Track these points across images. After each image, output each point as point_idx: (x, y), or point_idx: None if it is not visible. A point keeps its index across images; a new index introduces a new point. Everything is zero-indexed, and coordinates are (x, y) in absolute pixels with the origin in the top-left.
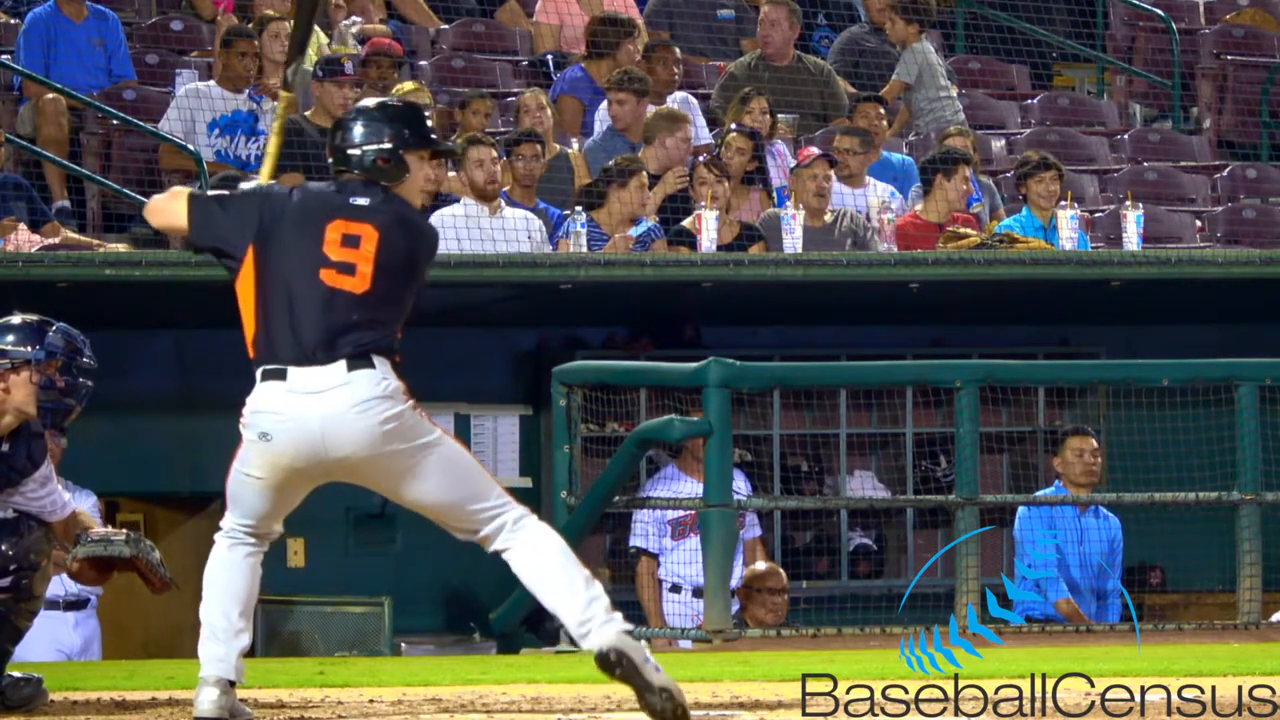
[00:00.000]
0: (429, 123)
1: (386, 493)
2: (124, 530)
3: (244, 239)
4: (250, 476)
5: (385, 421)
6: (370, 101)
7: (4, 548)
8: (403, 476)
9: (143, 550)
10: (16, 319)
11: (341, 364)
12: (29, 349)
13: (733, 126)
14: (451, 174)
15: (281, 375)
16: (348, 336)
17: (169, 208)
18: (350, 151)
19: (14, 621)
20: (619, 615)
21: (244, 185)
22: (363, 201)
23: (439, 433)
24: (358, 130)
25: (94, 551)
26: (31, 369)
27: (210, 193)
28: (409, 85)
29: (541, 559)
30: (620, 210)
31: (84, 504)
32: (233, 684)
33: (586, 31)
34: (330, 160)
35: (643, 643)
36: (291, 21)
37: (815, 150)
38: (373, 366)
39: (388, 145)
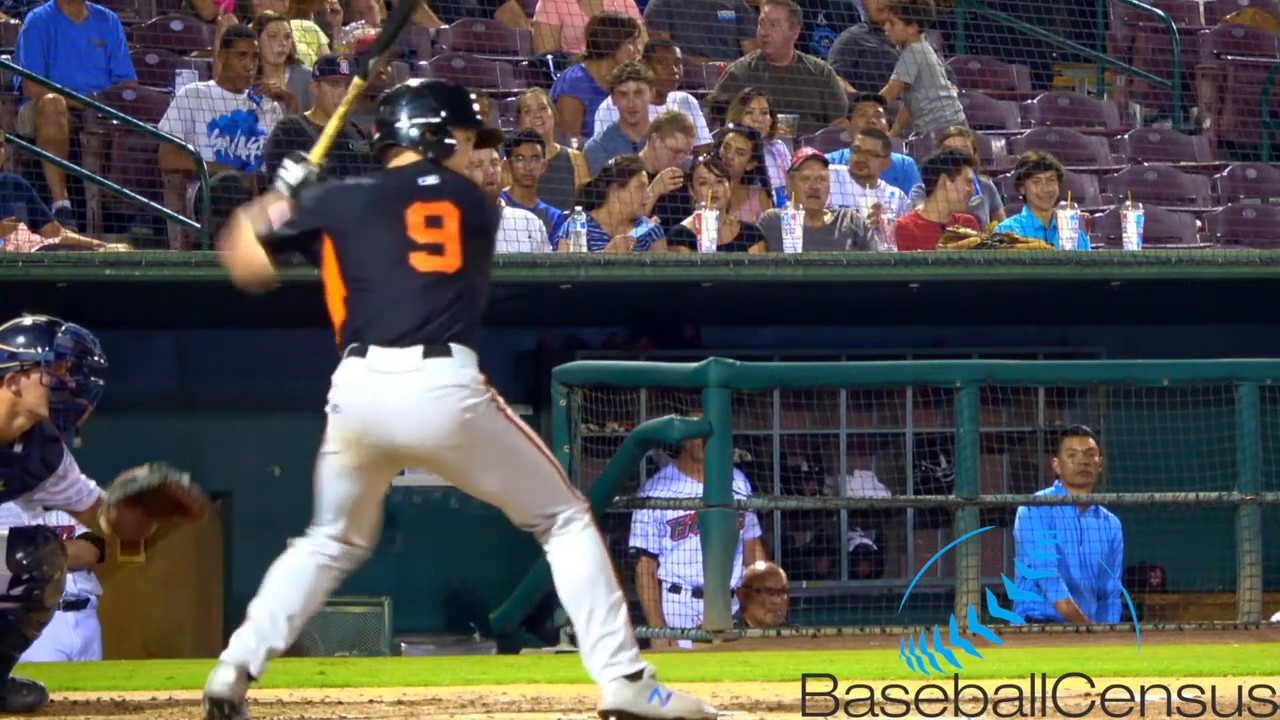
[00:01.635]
0: (475, 106)
1: (450, 479)
2: (144, 465)
3: (317, 240)
4: (330, 454)
5: (459, 412)
6: (416, 80)
7: (19, 556)
8: (470, 467)
9: (171, 476)
10: (26, 320)
11: (419, 349)
12: (39, 350)
13: (732, 126)
14: None
15: (363, 352)
16: (438, 319)
17: (248, 256)
18: (397, 125)
19: (22, 630)
20: (625, 657)
21: (291, 169)
22: (433, 180)
23: (514, 426)
24: (405, 104)
25: (122, 493)
26: (42, 370)
27: (274, 219)
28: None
29: (573, 571)
30: (620, 210)
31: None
32: (251, 677)
33: (586, 31)
34: (375, 135)
35: (647, 677)
36: (389, 13)
37: (809, 151)
38: (450, 355)
39: (435, 120)
